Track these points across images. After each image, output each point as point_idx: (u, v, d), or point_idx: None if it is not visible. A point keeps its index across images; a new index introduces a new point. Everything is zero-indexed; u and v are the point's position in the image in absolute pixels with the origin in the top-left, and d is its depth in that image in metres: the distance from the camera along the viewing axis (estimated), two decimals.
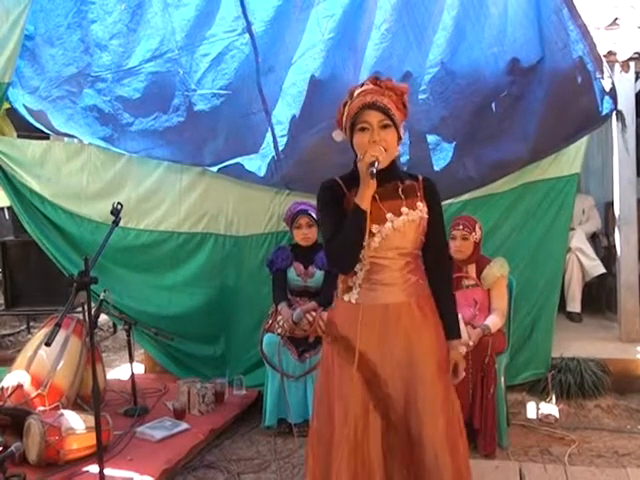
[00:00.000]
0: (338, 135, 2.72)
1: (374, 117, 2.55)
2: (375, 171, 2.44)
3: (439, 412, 2.59)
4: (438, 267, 2.75)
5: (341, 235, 2.54)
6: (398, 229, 2.58)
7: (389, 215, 2.58)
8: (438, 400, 2.60)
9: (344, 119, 2.65)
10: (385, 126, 2.55)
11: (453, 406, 2.66)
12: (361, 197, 2.49)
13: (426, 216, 2.65)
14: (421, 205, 2.64)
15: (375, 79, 2.64)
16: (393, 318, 2.62)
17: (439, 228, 2.74)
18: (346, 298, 2.67)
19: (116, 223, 3.82)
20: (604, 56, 4.31)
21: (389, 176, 2.62)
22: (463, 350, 2.74)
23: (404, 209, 2.60)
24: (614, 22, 5.09)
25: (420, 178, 2.72)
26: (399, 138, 2.62)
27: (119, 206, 3.87)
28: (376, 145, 2.52)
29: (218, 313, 5.16)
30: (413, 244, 2.64)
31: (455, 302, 2.79)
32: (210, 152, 4.82)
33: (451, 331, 2.72)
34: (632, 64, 4.91)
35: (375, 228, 2.56)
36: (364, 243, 2.56)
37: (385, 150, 2.53)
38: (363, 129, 2.56)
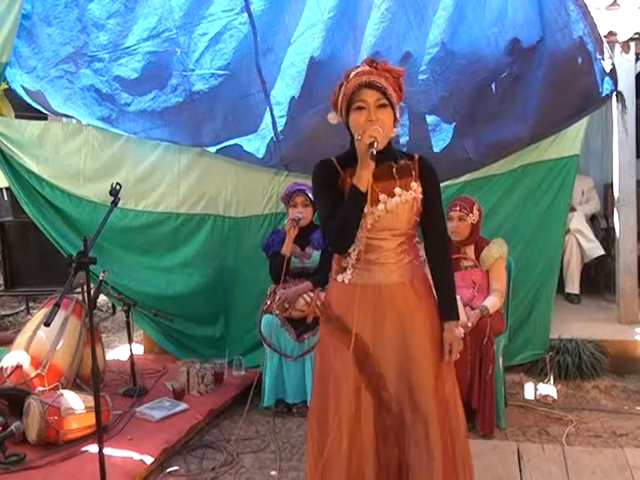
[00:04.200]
0: (333, 118, 2.70)
1: (371, 96, 2.53)
2: (375, 152, 2.43)
3: (431, 393, 2.60)
4: (436, 248, 2.74)
5: (339, 216, 2.53)
6: (391, 210, 2.58)
7: (382, 196, 2.57)
8: (430, 381, 2.61)
9: (339, 100, 2.62)
10: (382, 105, 2.53)
11: (446, 387, 2.66)
12: (359, 178, 2.48)
13: (420, 196, 2.63)
14: (415, 185, 2.63)
15: (371, 61, 2.62)
16: (386, 299, 2.62)
17: (436, 208, 2.72)
18: (340, 279, 2.68)
19: (115, 203, 3.75)
20: (604, 36, 4.23)
21: (384, 157, 2.60)
22: (460, 332, 2.73)
23: (397, 190, 2.59)
24: (614, 2, 5.04)
25: (416, 157, 2.69)
26: (395, 119, 2.60)
27: (117, 186, 3.77)
28: (373, 125, 2.50)
29: (217, 294, 5.18)
30: (407, 225, 2.63)
31: (453, 284, 2.76)
32: (209, 133, 4.79)
33: (446, 312, 2.71)
34: (632, 45, 4.89)
35: (367, 209, 2.55)
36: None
37: (382, 129, 2.51)
38: (359, 108, 2.54)
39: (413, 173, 2.65)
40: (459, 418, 2.68)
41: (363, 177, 2.48)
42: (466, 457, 2.69)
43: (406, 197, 2.59)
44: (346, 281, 2.66)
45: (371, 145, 2.43)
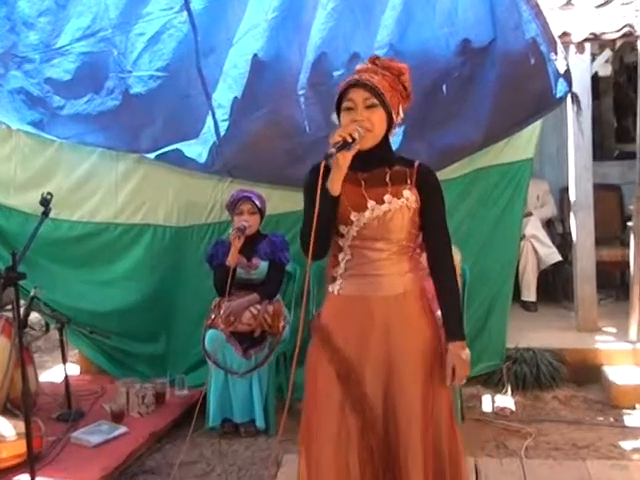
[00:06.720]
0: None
1: (358, 95, 2.39)
2: (335, 152, 2.25)
3: (416, 416, 2.44)
4: (437, 262, 2.56)
5: (307, 220, 2.37)
6: (378, 218, 2.43)
7: (370, 203, 2.43)
8: (416, 403, 2.45)
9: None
10: (371, 105, 2.39)
11: (435, 411, 2.49)
12: (330, 180, 2.33)
13: (414, 205, 2.46)
14: (408, 194, 2.45)
15: (375, 58, 2.50)
16: (375, 312, 2.48)
17: (436, 219, 2.54)
18: (331, 289, 2.55)
19: (45, 214, 3.71)
20: (558, 37, 4.28)
21: (377, 161, 2.47)
22: (467, 355, 2.53)
23: (387, 197, 2.44)
24: (569, 2, 5.07)
25: (416, 164, 2.53)
26: (391, 120, 2.45)
27: (49, 196, 3.75)
28: (351, 125, 2.35)
29: (158, 309, 5.04)
30: (398, 234, 2.46)
31: (458, 300, 2.61)
32: (147, 138, 4.66)
33: (450, 332, 2.52)
34: (587, 45, 4.92)
35: (354, 216, 2.43)
36: (343, 231, 2.45)
37: (369, 130, 2.37)
38: (348, 108, 2.42)
39: (408, 181, 2.49)
40: (452, 444, 2.53)
41: (333, 179, 2.33)
42: None
43: (395, 205, 2.44)
44: (335, 292, 2.53)
45: (335, 144, 2.26)
